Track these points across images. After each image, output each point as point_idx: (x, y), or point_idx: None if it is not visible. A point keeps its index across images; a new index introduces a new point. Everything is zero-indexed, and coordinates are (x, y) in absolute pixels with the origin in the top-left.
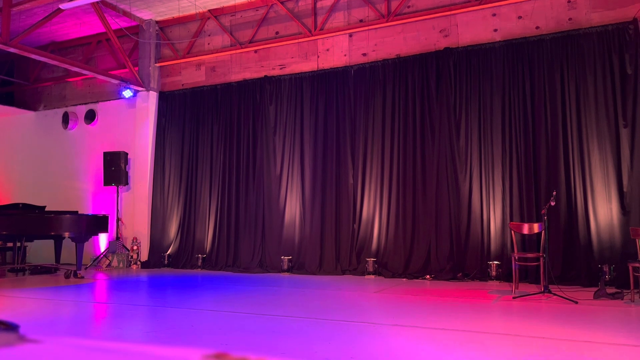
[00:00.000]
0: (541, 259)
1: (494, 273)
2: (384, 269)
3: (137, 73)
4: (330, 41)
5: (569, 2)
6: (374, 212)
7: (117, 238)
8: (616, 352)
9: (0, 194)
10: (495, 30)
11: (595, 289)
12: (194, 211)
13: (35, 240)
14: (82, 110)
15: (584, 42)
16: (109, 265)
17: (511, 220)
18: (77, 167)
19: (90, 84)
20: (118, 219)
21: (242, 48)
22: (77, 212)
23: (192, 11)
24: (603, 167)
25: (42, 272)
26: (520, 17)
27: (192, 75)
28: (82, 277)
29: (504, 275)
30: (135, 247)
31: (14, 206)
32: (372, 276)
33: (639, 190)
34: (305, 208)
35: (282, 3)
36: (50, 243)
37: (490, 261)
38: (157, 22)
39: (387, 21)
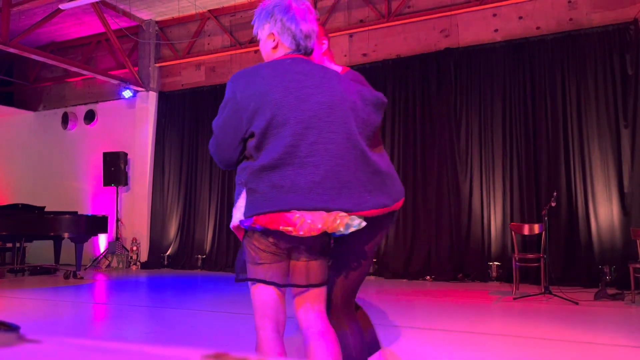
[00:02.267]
0: (542, 259)
1: (494, 274)
2: (384, 270)
3: (137, 73)
4: (330, 41)
5: (569, 2)
6: None
7: (117, 238)
8: (617, 353)
9: None
10: (496, 30)
11: (595, 290)
12: (193, 211)
13: (34, 241)
14: (81, 110)
15: (585, 43)
16: (108, 265)
17: (512, 221)
18: (77, 168)
19: (90, 84)
20: (117, 220)
21: (242, 48)
22: (76, 212)
23: (192, 11)
24: (604, 168)
25: (42, 273)
26: (520, 18)
27: (192, 75)
28: (82, 278)
29: (505, 276)
30: (134, 248)
31: (14, 206)
32: (372, 277)
33: None
34: None
35: None
36: (49, 243)
37: (490, 262)
38: (156, 22)
39: (387, 21)
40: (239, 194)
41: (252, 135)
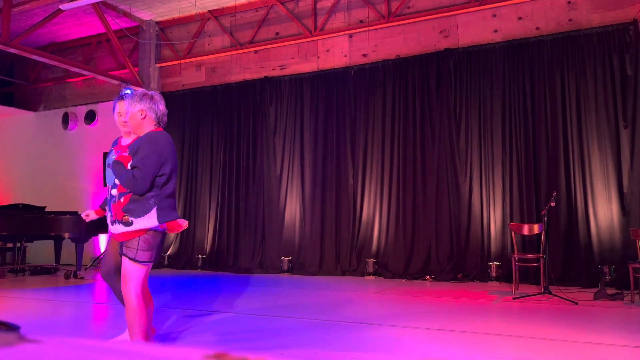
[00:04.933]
0: (541, 259)
1: (494, 274)
2: (384, 270)
3: (137, 74)
4: (330, 42)
5: (569, 2)
6: (374, 213)
7: None
8: (616, 353)
9: (0, 194)
10: (496, 31)
11: (595, 290)
12: (194, 211)
13: (35, 241)
14: (82, 110)
15: (584, 43)
16: None
17: (511, 221)
18: (77, 168)
19: (91, 84)
20: None
21: (242, 49)
22: (77, 212)
23: (192, 12)
24: (603, 168)
25: (42, 273)
26: (520, 18)
27: (192, 76)
28: (82, 278)
29: (504, 276)
30: None
31: (14, 206)
32: (372, 277)
33: (639, 191)
34: (306, 208)
35: (282, 4)
36: (50, 243)
37: (490, 262)
38: (157, 22)
39: (387, 22)
40: (150, 209)
41: (162, 175)
